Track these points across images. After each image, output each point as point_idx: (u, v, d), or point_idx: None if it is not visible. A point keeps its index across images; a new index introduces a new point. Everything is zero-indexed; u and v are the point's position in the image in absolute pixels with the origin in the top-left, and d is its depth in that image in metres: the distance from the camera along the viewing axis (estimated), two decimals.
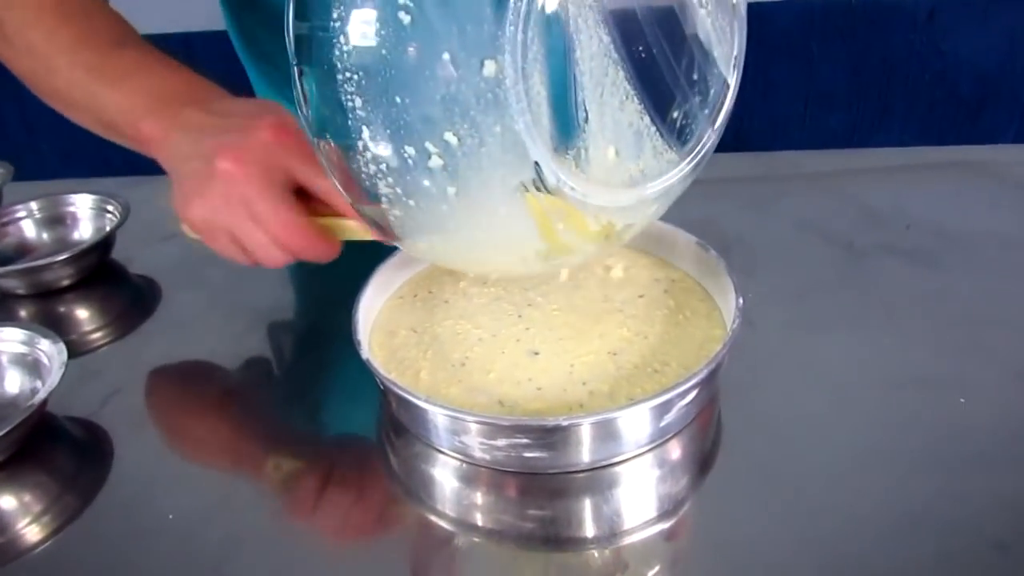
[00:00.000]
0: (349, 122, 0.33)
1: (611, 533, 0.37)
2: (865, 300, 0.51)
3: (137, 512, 0.40)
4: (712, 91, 0.37)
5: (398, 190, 0.34)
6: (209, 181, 0.43)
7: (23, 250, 0.63)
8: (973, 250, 0.55)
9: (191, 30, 1.41)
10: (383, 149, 0.33)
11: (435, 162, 0.33)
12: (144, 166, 0.76)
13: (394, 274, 0.50)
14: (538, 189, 0.33)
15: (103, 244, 0.60)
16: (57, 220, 0.64)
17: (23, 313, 0.58)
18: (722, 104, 0.38)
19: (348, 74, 0.32)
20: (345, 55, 0.31)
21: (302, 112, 0.36)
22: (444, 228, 0.36)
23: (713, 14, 0.35)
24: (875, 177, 0.67)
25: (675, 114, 0.36)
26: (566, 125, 0.33)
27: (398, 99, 0.31)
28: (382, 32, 0.31)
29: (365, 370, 0.41)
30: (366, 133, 0.33)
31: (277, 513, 0.40)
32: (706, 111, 0.37)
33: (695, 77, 0.35)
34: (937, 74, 1.37)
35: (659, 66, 0.34)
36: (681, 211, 0.48)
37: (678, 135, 0.36)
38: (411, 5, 0.30)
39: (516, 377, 0.41)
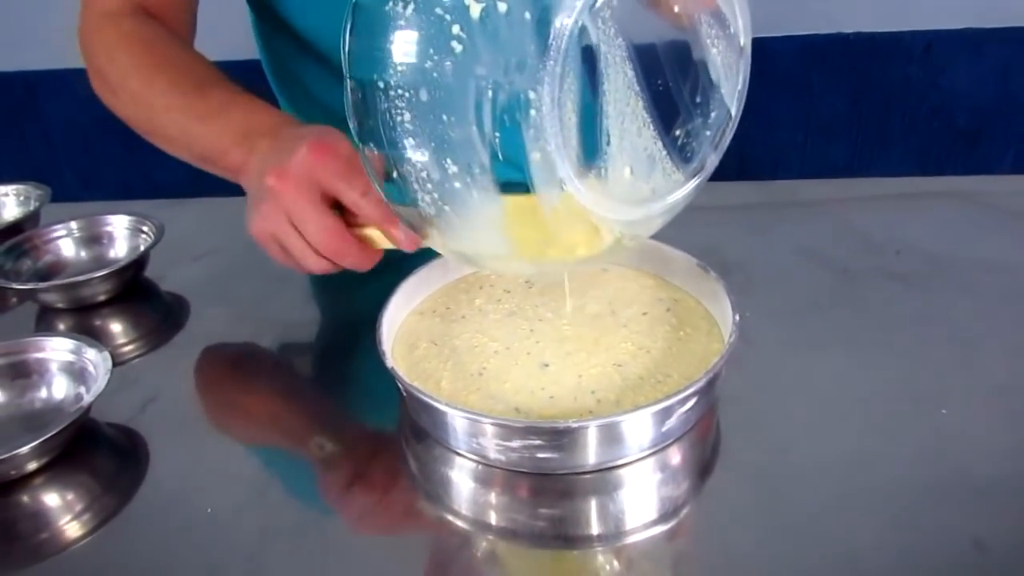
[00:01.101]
0: (396, 134, 0.37)
1: (617, 532, 0.40)
2: (857, 320, 0.55)
3: (175, 509, 0.43)
4: (716, 119, 0.41)
5: (436, 196, 0.38)
6: (260, 197, 0.49)
7: (61, 267, 0.67)
8: (960, 274, 0.59)
9: (221, 59, 1.47)
10: (425, 160, 0.37)
11: (472, 174, 0.36)
12: (166, 190, 0.80)
13: (414, 291, 0.54)
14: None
15: (138, 262, 0.63)
16: (94, 239, 0.68)
17: (61, 326, 0.61)
18: (724, 131, 0.42)
19: (400, 91, 0.36)
20: (398, 73, 0.35)
21: (351, 122, 0.40)
22: (475, 233, 0.40)
23: (723, 53, 0.39)
24: (869, 205, 0.71)
25: (684, 139, 0.40)
26: (590, 148, 0.37)
27: (444, 117, 0.35)
28: (435, 57, 0.34)
29: (386, 381, 0.44)
30: (410, 144, 0.37)
31: (310, 507, 0.43)
32: (710, 136, 0.41)
33: (703, 108, 0.40)
34: (934, 106, 1.41)
35: (673, 97, 0.39)
36: (684, 236, 0.51)
37: (685, 158, 0.40)
38: (463, 36, 0.34)
39: (530, 387, 0.45)
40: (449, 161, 0.36)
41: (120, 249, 0.67)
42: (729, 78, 0.40)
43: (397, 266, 0.53)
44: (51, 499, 0.45)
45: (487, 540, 0.40)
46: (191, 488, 0.45)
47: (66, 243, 0.67)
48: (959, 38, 1.34)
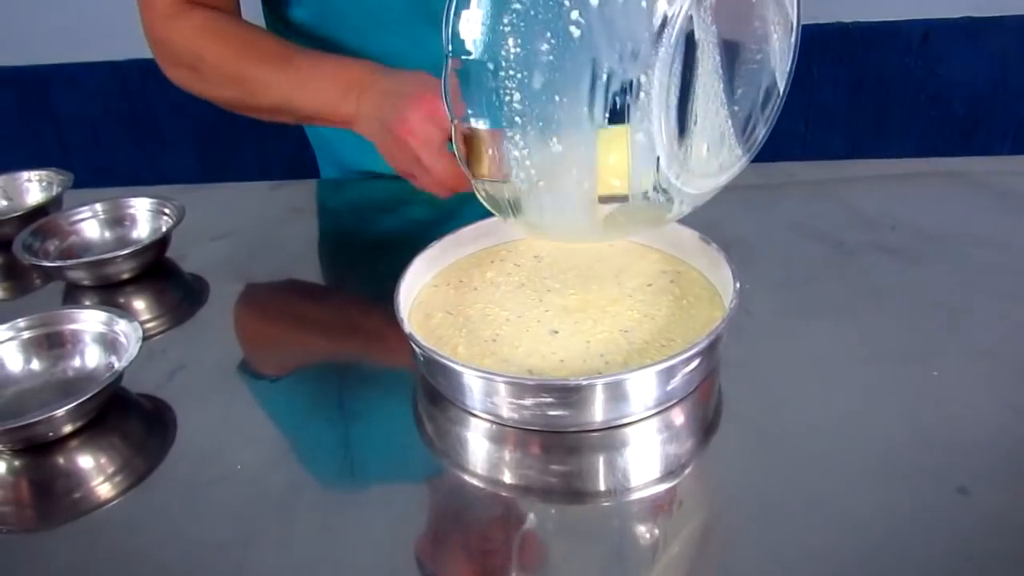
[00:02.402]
0: (502, 113, 0.39)
1: (624, 487, 0.42)
2: (852, 290, 0.57)
3: (205, 466, 0.46)
4: (769, 97, 0.44)
5: (533, 173, 0.41)
6: (388, 144, 0.58)
7: (86, 247, 0.69)
8: (951, 248, 0.61)
9: None
10: (530, 138, 0.39)
11: (577, 152, 0.39)
12: (174, 178, 0.83)
13: (427, 266, 0.56)
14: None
15: (161, 242, 0.66)
16: (118, 221, 0.70)
17: (87, 302, 0.64)
18: (775, 108, 0.45)
19: (511, 71, 0.38)
20: (511, 55, 0.38)
21: (447, 99, 0.42)
22: (564, 209, 0.43)
23: (780, 35, 0.42)
24: (865, 185, 0.73)
25: (746, 117, 0.44)
26: (681, 127, 0.40)
27: (556, 98, 0.38)
28: (552, 41, 0.37)
29: (401, 351, 0.46)
30: (516, 123, 0.39)
31: (336, 462, 0.45)
32: (764, 114, 0.44)
33: (759, 87, 0.43)
34: (932, 95, 1.43)
35: (742, 79, 0.41)
36: (686, 215, 0.54)
37: (744, 134, 0.44)
38: (582, 21, 0.36)
39: (541, 351, 0.47)
40: (555, 140, 0.39)
41: (143, 230, 0.70)
42: (783, 58, 0.43)
43: (412, 243, 0.56)
44: (85, 461, 0.47)
45: (501, 496, 0.43)
46: (220, 448, 0.47)
47: (90, 224, 0.70)
48: (956, 27, 1.36)
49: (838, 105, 1.44)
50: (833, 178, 0.75)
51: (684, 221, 0.55)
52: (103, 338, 0.53)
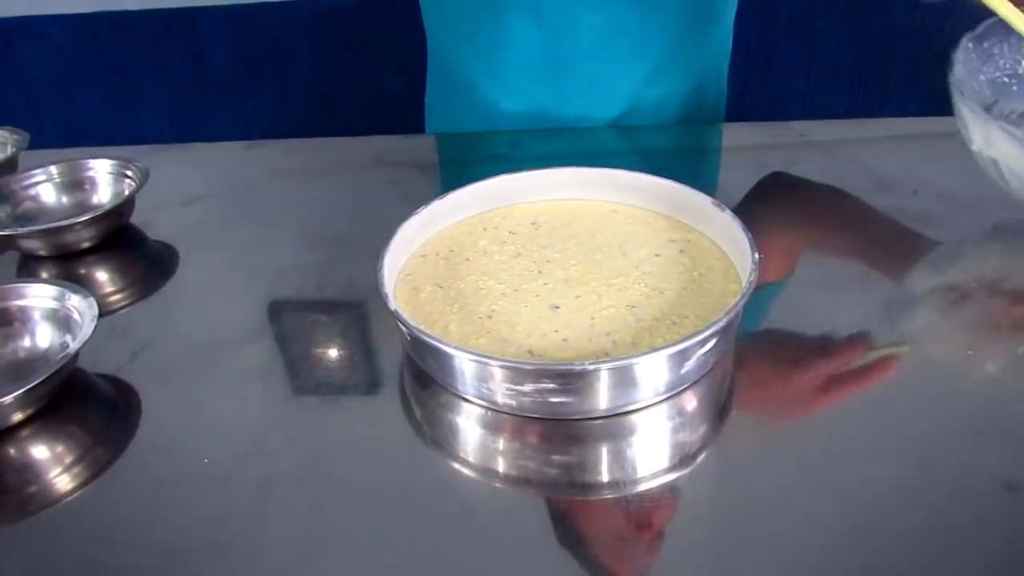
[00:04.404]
0: None
1: (631, 479, 0.38)
2: (874, 259, 0.53)
3: (171, 459, 0.42)
4: None
5: None
6: None
7: (42, 214, 0.63)
8: (976, 214, 0.57)
9: (193, 5, 1.42)
10: None
11: None
12: (149, 141, 0.77)
13: (415, 233, 0.51)
14: None
15: (123, 207, 0.60)
16: (76, 185, 0.64)
17: (44, 274, 0.59)
18: None
19: None
20: None
21: None
22: None
23: None
24: (881, 145, 0.69)
25: None
26: None
27: None
28: None
29: (385, 327, 0.42)
30: None
31: (311, 457, 0.41)
32: None
33: None
34: (938, 52, 1.38)
35: None
36: (691, 178, 0.49)
37: None
38: None
39: (542, 329, 0.43)
40: None
41: (103, 195, 0.64)
42: None
43: (397, 209, 0.51)
44: (39, 451, 0.43)
45: (495, 488, 0.39)
46: (186, 438, 0.43)
47: (46, 188, 0.64)
48: None
49: (841, 61, 1.39)
50: (845, 138, 0.70)
51: (692, 184, 0.51)
52: (55, 315, 0.48)
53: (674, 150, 0.72)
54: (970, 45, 0.55)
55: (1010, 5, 0.50)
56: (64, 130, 1.51)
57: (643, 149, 0.74)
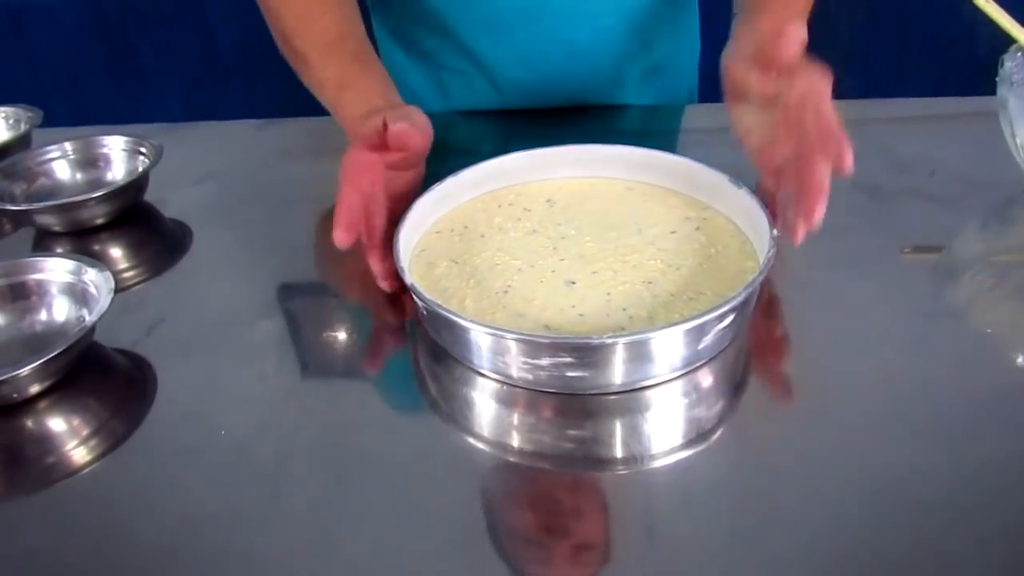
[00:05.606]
0: None
1: (647, 454, 0.38)
2: (891, 240, 0.52)
3: (187, 431, 0.42)
4: None
5: None
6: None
7: (57, 190, 0.64)
8: (993, 195, 0.56)
9: None
10: None
11: None
12: (158, 121, 0.77)
13: (429, 210, 0.51)
14: None
15: (138, 183, 0.60)
16: (90, 162, 0.64)
17: (59, 250, 0.59)
18: None
19: None
20: None
21: None
22: None
23: None
24: (898, 126, 0.68)
25: None
26: None
27: None
28: None
29: (398, 304, 0.41)
30: None
31: (326, 430, 0.41)
32: None
33: None
34: (954, 36, 1.36)
35: None
36: (708, 159, 0.49)
37: None
38: None
39: (558, 304, 0.43)
40: None
41: (117, 171, 0.64)
42: None
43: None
44: (57, 424, 0.43)
45: (510, 463, 0.39)
46: (203, 411, 0.43)
47: (60, 165, 0.64)
48: None
49: (856, 44, 1.38)
50: (860, 118, 0.69)
51: (709, 162, 0.50)
52: (72, 288, 0.48)
53: (688, 129, 0.72)
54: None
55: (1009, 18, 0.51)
56: (73, 113, 1.51)
57: (659, 129, 0.73)
